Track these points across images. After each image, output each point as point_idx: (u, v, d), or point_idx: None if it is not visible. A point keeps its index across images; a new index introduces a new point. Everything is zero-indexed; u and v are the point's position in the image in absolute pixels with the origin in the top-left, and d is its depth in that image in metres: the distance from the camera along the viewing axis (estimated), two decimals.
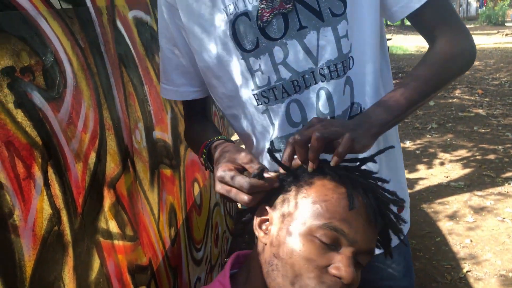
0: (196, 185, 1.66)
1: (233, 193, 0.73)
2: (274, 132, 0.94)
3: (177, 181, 1.43)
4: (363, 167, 0.77)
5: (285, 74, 0.88)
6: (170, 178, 1.37)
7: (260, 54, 0.88)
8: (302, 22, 0.85)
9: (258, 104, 0.93)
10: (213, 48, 0.93)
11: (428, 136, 5.09)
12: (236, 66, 0.91)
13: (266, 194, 0.75)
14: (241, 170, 0.76)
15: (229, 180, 0.73)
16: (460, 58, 0.87)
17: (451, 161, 4.20)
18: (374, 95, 0.91)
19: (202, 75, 0.99)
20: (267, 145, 0.95)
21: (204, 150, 0.89)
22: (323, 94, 0.89)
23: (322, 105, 0.89)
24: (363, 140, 0.72)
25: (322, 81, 0.88)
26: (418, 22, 0.89)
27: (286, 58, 0.87)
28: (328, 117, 0.89)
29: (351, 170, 0.76)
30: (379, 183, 0.77)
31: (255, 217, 0.78)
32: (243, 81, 0.92)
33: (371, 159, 0.76)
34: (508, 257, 2.55)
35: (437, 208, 3.25)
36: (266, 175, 0.72)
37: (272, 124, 0.93)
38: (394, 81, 1.05)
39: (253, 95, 0.93)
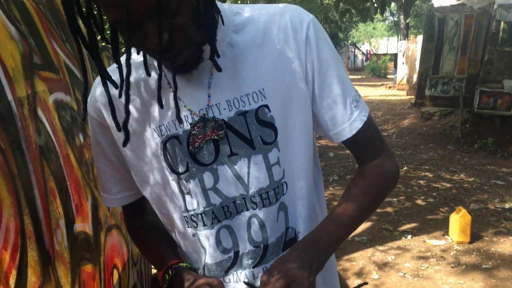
0: (115, 272, 1.55)
1: None
2: (205, 257, 0.91)
3: (98, 274, 1.33)
4: None
5: (215, 199, 0.87)
6: (91, 274, 1.26)
7: (190, 178, 0.86)
8: (233, 149, 0.85)
9: (188, 227, 0.90)
10: (146, 166, 0.90)
11: (331, 188, 5.35)
12: (168, 186, 0.89)
13: None
14: None
15: None
16: (387, 180, 0.94)
17: None
18: (308, 215, 0.93)
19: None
20: (201, 269, 0.92)
21: (170, 272, 0.88)
22: (255, 221, 0.87)
23: (254, 233, 0.88)
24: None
25: (254, 209, 0.87)
26: (349, 145, 0.94)
27: (216, 183, 0.86)
28: (261, 246, 0.88)
29: None
30: None
31: None
32: (175, 201, 0.90)
33: None
34: None
35: (345, 266, 3.38)
36: None
37: (203, 248, 0.90)
38: None
39: (184, 217, 0.90)
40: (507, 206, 4.52)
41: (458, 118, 7.89)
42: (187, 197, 0.88)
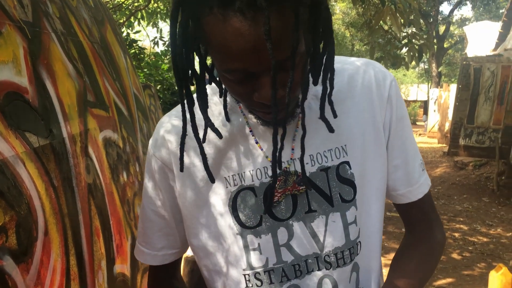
0: None
1: None
2: None
3: None
4: None
5: (287, 257, 0.81)
6: None
7: (261, 233, 0.81)
8: (312, 205, 0.81)
9: (247, 286, 0.85)
10: (205, 216, 0.84)
11: None
12: (229, 240, 0.83)
13: None
14: None
15: None
16: (439, 252, 0.91)
17: (385, 265, 4.27)
18: (377, 276, 0.89)
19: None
20: None
21: None
22: (328, 282, 0.82)
23: None
24: None
25: (327, 269, 0.82)
26: (406, 209, 0.91)
27: (290, 240, 0.81)
28: None
29: None
30: None
31: None
32: (234, 258, 0.83)
33: None
34: None
35: None
36: None
37: None
38: None
39: (244, 275, 0.84)
40: None
41: (494, 169, 7.66)
42: (253, 253, 0.82)
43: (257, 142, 0.79)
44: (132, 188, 1.45)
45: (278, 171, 0.79)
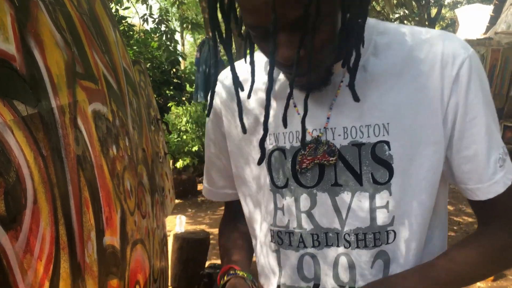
0: None
1: None
2: (281, 277, 0.86)
3: None
4: None
5: (307, 224, 0.81)
6: None
7: (286, 195, 0.82)
8: (339, 179, 0.78)
9: (271, 241, 0.86)
10: (248, 170, 0.89)
11: None
12: (264, 195, 0.86)
13: None
14: None
15: None
16: (505, 260, 0.83)
17: None
18: None
19: None
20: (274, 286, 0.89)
21: (225, 277, 0.89)
22: (344, 260, 0.80)
23: (341, 272, 0.81)
24: None
25: (346, 247, 0.80)
26: (479, 205, 0.82)
27: (312, 208, 0.80)
28: (347, 287, 0.81)
29: None
30: None
31: None
32: (266, 212, 0.87)
33: None
34: None
35: None
36: None
37: (280, 267, 0.86)
38: None
39: (271, 230, 0.86)
40: None
41: None
42: (279, 212, 0.84)
43: (295, 106, 0.79)
44: (121, 162, 1.44)
45: (309, 138, 0.79)
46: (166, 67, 5.41)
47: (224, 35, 0.70)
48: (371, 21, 0.81)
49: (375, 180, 0.77)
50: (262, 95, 0.84)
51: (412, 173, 0.77)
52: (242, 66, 0.87)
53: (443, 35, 0.77)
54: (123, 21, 5.94)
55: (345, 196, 0.78)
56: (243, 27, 0.73)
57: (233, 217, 1.06)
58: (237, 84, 0.74)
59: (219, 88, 0.93)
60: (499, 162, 0.77)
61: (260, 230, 0.90)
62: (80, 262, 0.98)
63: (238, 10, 0.72)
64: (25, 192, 0.77)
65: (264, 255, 0.90)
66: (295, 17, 0.62)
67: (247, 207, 0.93)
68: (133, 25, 6.51)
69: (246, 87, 0.86)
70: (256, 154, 0.86)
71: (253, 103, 0.86)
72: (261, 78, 0.84)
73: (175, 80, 5.59)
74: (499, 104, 7.30)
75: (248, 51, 0.77)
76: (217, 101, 0.93)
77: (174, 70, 5.62)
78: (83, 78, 1.21)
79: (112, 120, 1.40)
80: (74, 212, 0.99)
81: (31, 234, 0.77)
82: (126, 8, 7.51)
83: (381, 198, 0.77)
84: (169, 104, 5.55)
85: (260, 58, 0.84)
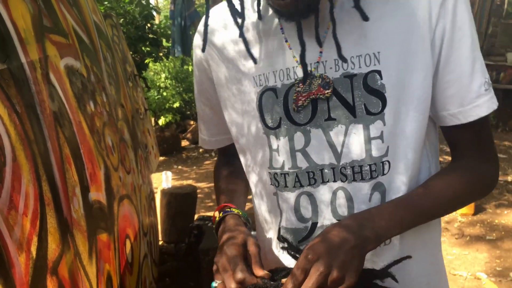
0: (128, 242, 1.54)
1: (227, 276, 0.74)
2: (282, 219, 0.87)
3: (112, 244, 1.31)
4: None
5: (302, 163, 0.81)
6: (106, 243, 1.25)
7: (280, 135, 0.81)
8: (332, 113, 0.77)
9: (270, 184, 0.87)
10: (239, 114, 0.87)
11: None
12: (258, 138, 0.85)
13: None
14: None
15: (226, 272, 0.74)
16: (484, 186, 0.85)
17: None
18: None
19: None
20: (274, 233, 0.90)
21: (220, 214, 0.88)
22: (342, 194, 0.80)
23: (339, 207, 0.81)
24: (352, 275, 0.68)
25: (343, 181, 0.80)
26: (455, 135, 0.83)
27: (306, 146, 0.80)
28: None
29: None
30: None
31: None
32: (262, 155, 0.86)
33: (385, 274, 0.73)
34: None
35: None
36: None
37: (280, 209, 0.87)
38: None
39: (268, 173, 0.86)
40: (509, 179, 4.54)
41: None
42: (274, 153, 0.83)
43: (286, 41, 0.76)
44: (100, 118, 1.42)
45: (301, 74, 0.77)
46: (140, 22, 5.23)
47: None
48: None
49: (368, 111, 0.76)
50: (253, 37, 0.83)
51: (404, 102, 0.77)
52: (220, 11, 0.87)
53: None
54: None
55: (339, 129, 0.78)
56: None
57: (227, 161, 1.06)
58: (234, 13, 0.77)
59: (209, 34, 0.89)
60: (485, 86, 0.77)
61: (257, 175, 0.90)
62: (67, 217, 0.98)
63: None
64: (2, 149, 0.76)
65: (264, 199, 0.91)
66: None
67: (243, 153, 0.93)
68: None
69: (225, 33, 0.85)
70: (248, 96, 0.84)
71: (238, 46, 0.85)
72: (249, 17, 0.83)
73: (150, 36, 5.42)
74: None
75: None
76: (197, 49, 0.91)
77: (148, 25, 5.43)
78: (52, 32, 1.17)
79: (86, 76, 1.36)
80: (56, 168, 0.98)
81: (14, 191, 0.76)
82: None
83: (375, 128, 0.77)
84: (146, 61, 5.42)
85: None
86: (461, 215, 3.64)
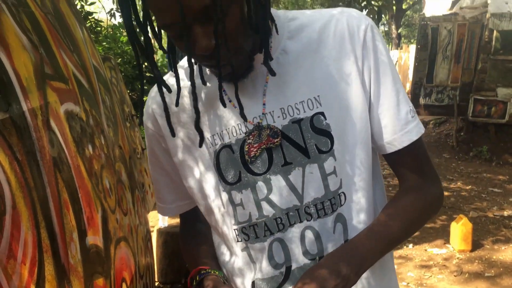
0: (124, 286, 1.52)
1: None
2: (256, 272, 0.88)
3: None
4: None
5: (268, 211, 0.84)
6: None
7: (242, 188, 0.84)
8: (287, 158, 0.82)
9: (238, 241, 0.88)
10: (198, 176, 0.89)
11: None
12: (219, 197, 0.87)
13: None
14: None
15: None
16: (431, 205, 0.90)
17: None
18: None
19: None
20: (249, 286, 0.90)
21: (197, 278, 0.87)
22: (310, 233, 0.84)
23: (309, 245, 0.84)
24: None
25: (308, 220, 0.84)
26: (395, 160, 0.88)
27: (269, 194, 0.83)
28: (317, 258, 0.85)
29: None
30: None
31: None
32: (225, 214, 0.88)
33: None
34: None
35: None
36: None
37: (253, 262, 0.88)
38: None
39: (234, 230, 0.87)
40: (505, 213, 4.54)
41: (453, 127, 7.94)
42: (239, 208, 0.85)
43: (230, 101, 0.81)
44: (98, 161, 1.44)
45: (250, 126, 0.82)
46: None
47: (144, 47, 0.75)
48: (280, 12, 0.87)
49: (320, 150, 0.82)
50: (200, 103, 0.88)
51: (348, 136, 0.83)
52: (171, 79, 0.92)
53: (344, 11, 0.85)
54: (90, 17, 5.81)
55: (297, 172, 0.82)
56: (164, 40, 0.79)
57: (191, 224, 1.06)
58: (162, 91, 0.81)
59: (152, 105, 0.96)
60: (410, 113, 0.85)
61: (224, 233, 0.91)
62: (65, 263, 0.98)
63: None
64: (3, 198, 0.77)
65: (234, 257, 0.91)
66: (202, 5, 0.65)
67: (207, 215, 0.94)
68: (100, 21, 6.38)
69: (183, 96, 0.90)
70: (204, 157, 0.88)
71: (190, 112, 0.89)
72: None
73: (147, 74, 5.52)
74: (468, 78, 7.47)
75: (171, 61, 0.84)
76: (152, 122, 0.96)
77: (146, 63, 5.53)
78: (53, 79, 1.20)
79: (85, 120, 1.38)
80: (54, 214, 0.98)
81: (13, 239, 0.77)
82: (92, 3, 7.34)
83: (328, 165, 0.83)
84: (144, 99, 5.47)
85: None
86: (459, 252, 3.62)
